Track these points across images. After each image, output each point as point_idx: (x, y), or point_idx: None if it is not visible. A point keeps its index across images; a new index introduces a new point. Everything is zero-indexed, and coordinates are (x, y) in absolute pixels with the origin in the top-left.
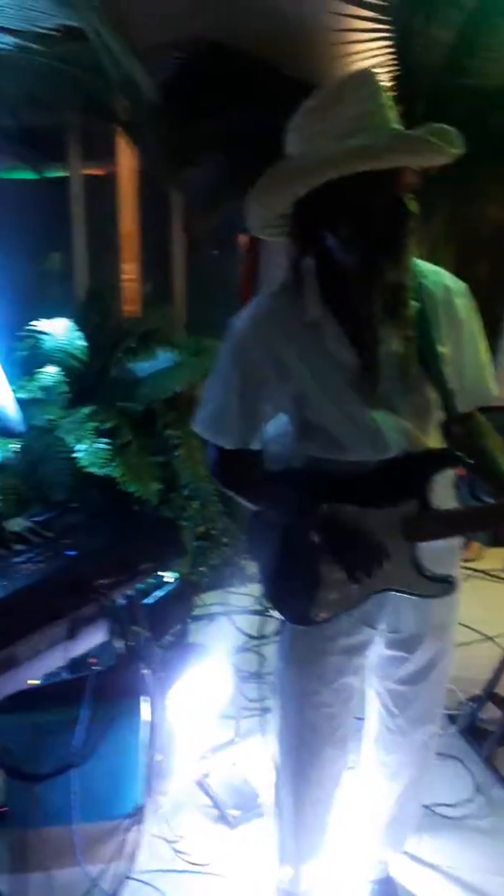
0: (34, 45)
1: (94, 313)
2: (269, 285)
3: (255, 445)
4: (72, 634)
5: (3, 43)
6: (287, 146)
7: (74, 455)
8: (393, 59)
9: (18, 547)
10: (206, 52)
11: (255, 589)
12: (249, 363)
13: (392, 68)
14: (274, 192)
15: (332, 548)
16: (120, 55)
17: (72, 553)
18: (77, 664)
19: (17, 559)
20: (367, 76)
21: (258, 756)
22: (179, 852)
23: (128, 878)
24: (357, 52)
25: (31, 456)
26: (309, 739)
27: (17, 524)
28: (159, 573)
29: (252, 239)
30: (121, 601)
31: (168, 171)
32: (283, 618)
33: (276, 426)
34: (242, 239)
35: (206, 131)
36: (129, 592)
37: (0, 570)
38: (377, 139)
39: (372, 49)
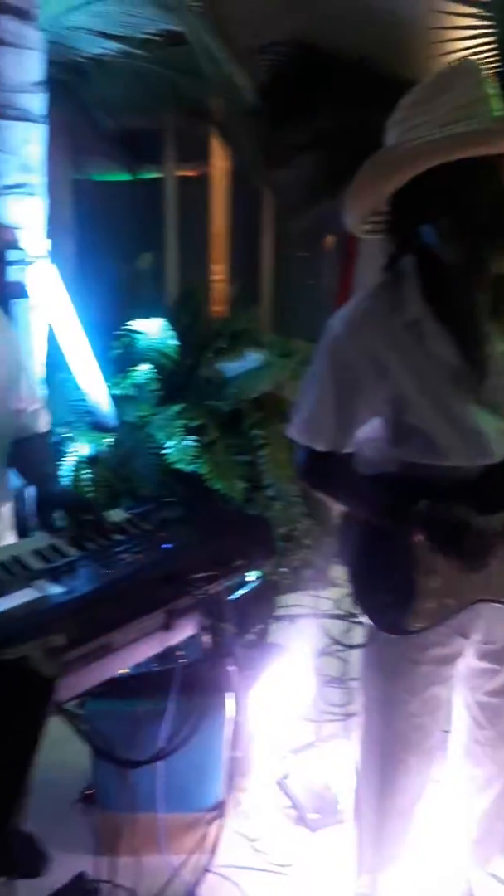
0: (136, 51)
1: (185, 313)
2: (366, 285)
3: (347, 448)
4: (168, 626)
5: (106, 49)
6: (387, 141)
7: (164, 451)
8: (495, 56)
9: (117, 537)
10: (301, 52)
11: (337, 592)
12: (345, 365)
13: (495, 65)
14: (375, 182)
15: (439, 541)
16: (219, 57)
17: (168, 546)
18: (163, 656)
19: (116, 549)
20: (471, 66)
21: (339, 761)
22: (259, 851)
23: (208, 871)
24: (456, 50)
25: (122, 450)
26: (395, 749)
27: (116, 515)
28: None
29: (348, 238)
30: (206, 596)
31: (261, 172)
32: (373, 625)
33: (369, 430)
34: (330, 240)
35: (301, 131)
36: (219, 588)
37: (101, 559)
38: (483, 125)
39: (472, 46)
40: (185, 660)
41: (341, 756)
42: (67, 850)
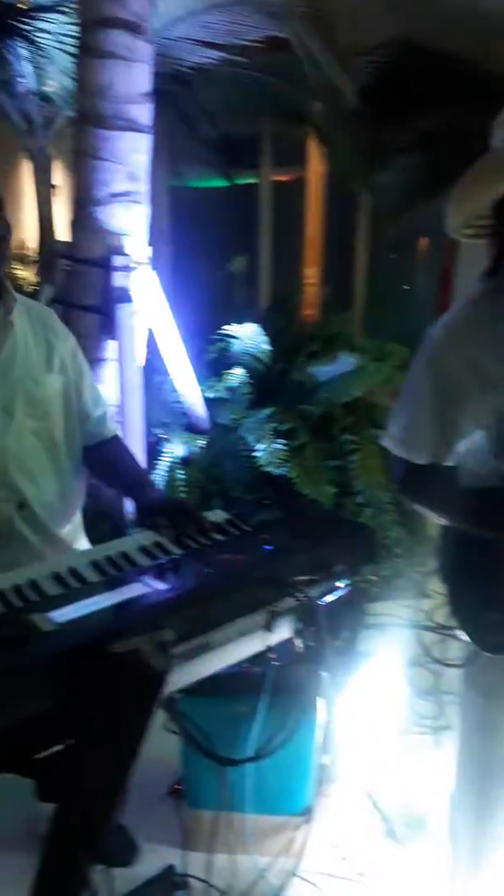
0: (238, 58)
1: (278, 317)
2: (468, 292)
3: (449, 461)
4: (269, 627)
5: (207, 57)
6: (493, 141)
7: (254, 454)
8: None
9: (218, 538)
10: (404, 52)
11: (430, 603)
12: (446, 375)
13: None
14: (480, 185)
15: None
16: (322, 61)
17: (269, 548)
18: (255, 657)
19: (218, 549)
20: None
21: (429, 776)
22: (345, 859)
23: (294, 875)
24: None
25: (214, 452)
26: (494, 773)
27: (215, 516)
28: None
29: (446, 242)
30: (307, 600)
31: (360, 175)
32: (474, 644)
33: (471, 442)
34: (425, 243)
35: (403, 133)
36: (320, 592)
37: (203, 558)
38: None
39: None
40: (277, 662)
41: (431, 771)
42: (155, 842)
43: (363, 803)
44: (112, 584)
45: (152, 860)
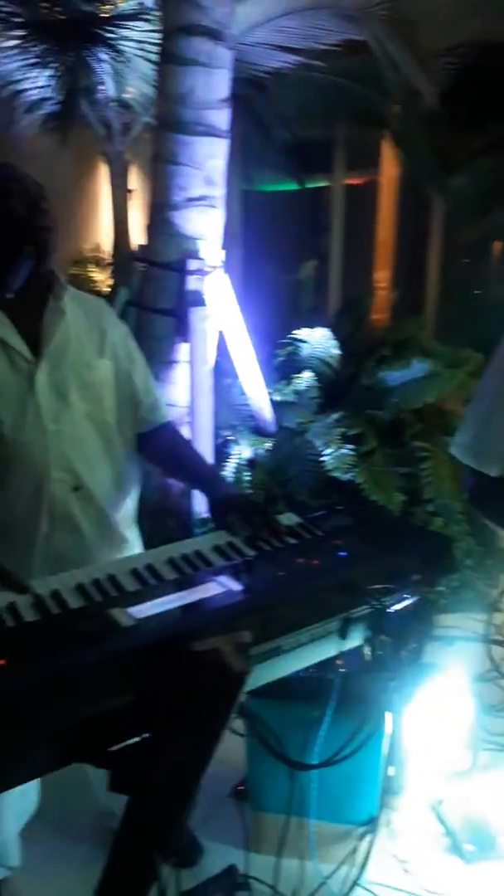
0: (315, 62)
1: (348, 321)
2: None
3: None
4: (343, 634)
5: (284, 62)
6: None
7: (321, 458)
8: None
9: (291, 541)
10: (482, 53)
11: (499, 617)
12: None
13: None
14: None
15: None
16: (400, 63)
17: (344, 554)
18: (322, 664)
19: (291, 553)
20: None
21: (498, 793)
22: (408, 872)
23: (357, 884)
24: None
25: (280, 455)
26: None
27: (288, 519)
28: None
29: None
30: (378, 608)
31: (436, 179)
32: None
33: None
34: (498, 247)
35: (481, 135)
36: (396, 602)
37: (277, 561)
38: None
39: None
40: (344, 669)
41: (501, 788)
42: (217, 841)
43: (429, 817)
44: (188, 582)
45: (213, 859)
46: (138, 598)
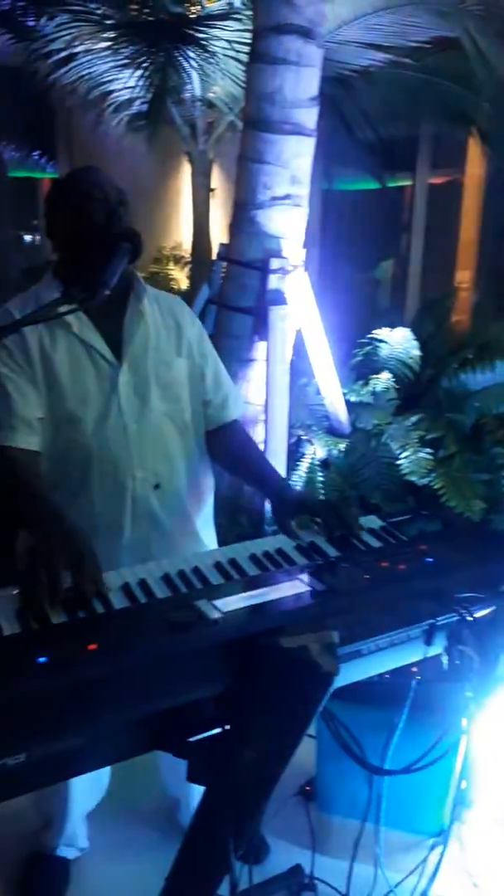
0: (405, 59)
1: (429, 322)
2: None
3: None
4: (429, 641)
5: (372, 59)
6: None
7: (397, 461)
8: None
9: (374, 544)
10: None
11: None
12: None
13: None
14: None
15: None
16: (494, 60)
17: (430, 560)
18: (396, 669)
19: (376, 556)
20: None
21: None
22: (477, 887)
23: None
24: None
25: (354, 457)
26: None
27: (370, 521)
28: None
29: None
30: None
31: None
32: None
33: None
34: None
35: None
36: (484, 612)
37: (361, 563)
38: None
39: None
40: (419, 677)
41: None
42: (282, 840)
43: (499, 832)
44: (272, 579)
45: (277, 857)
46: (223, 591)
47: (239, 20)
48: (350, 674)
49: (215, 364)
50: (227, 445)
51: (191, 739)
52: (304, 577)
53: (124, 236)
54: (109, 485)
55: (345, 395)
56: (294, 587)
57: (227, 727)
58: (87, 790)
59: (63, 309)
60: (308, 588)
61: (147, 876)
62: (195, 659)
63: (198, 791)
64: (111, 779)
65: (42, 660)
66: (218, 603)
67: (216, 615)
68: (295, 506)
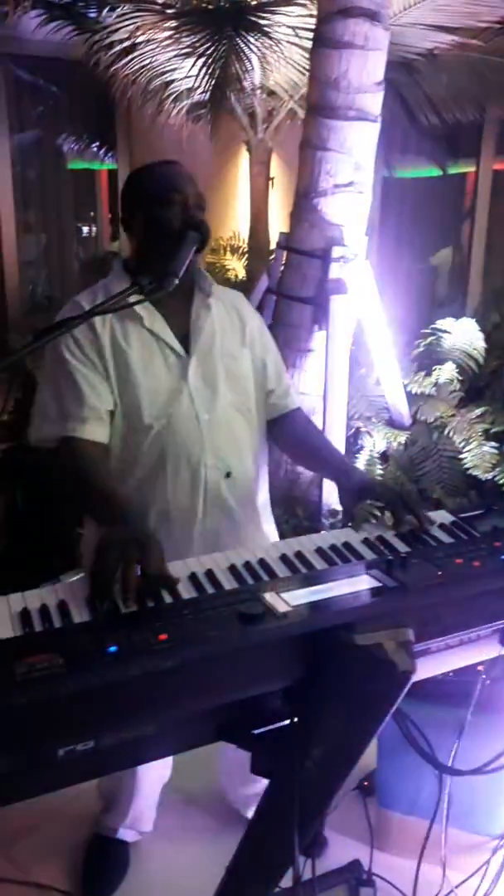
0: (471, 41)
1: (493, 312)
2: None
3: None
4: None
5: (438, 42)
6: None
7: (460, 455)
8: None
9: (446, 540)
10: None
11: None
12: None
13: None
14: None
15: None
16: None
17: None
18: (461, 668)
19: (448, 552)
20: None
21: None
22: None
23: None
24: None
25: (414, 450)
26: None
27: (440, 516)
28: None
29: None
30: None
31: None
32: None
33: None
34: None
35: None
36: None
37: (432, 559)
38: None
39: None
40: (484, 676)
41: None
42: (339, 834)
43: None
44: (340, 573)
45: (335, 851)
46: (290, 584)
47: (303, 5)
48: (418, 671)
49: (276, 354)
50: (292, 433)
51: (255, 731)
52: (374, 572)
53: (192, 226)
54: (183, 474)
55: (406, 386)
56: (363, 582)
57: (294, 721)
58: (155, 776)
59: (133, 299)
60: (378, 584)
61: (204, 863)
62: (264, 652)
63: (257, 783)
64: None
65: (112, 649)
66: (286, 596)
67: (284, 608)
68: (361, 489)
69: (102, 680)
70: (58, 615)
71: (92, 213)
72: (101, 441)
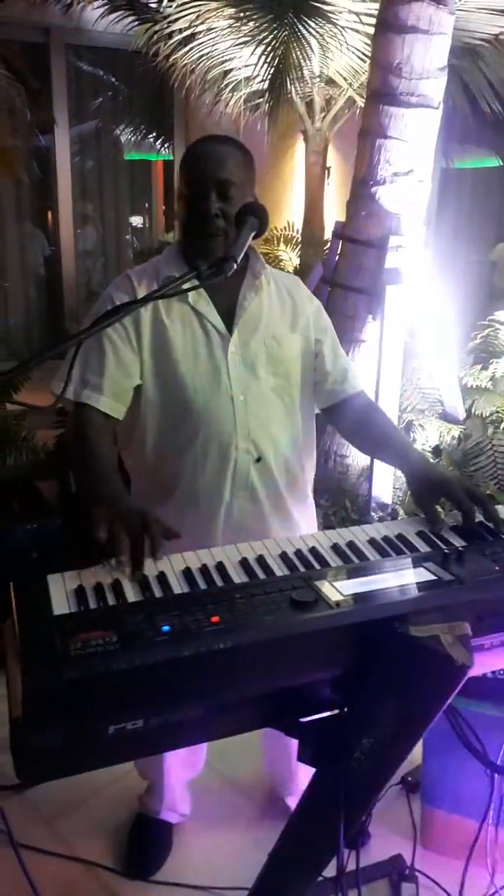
0: None
1: None
2: None
3: None
4: None
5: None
6: None
7: None
8: None
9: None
10: None
11: None
12: None
13: None
14: None
15: None
16: None
17: None
18: None
19: None
20: None
21: None
22: None
23: None
24: None
25: (468, 444)
26: None
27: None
28: None
29: None
30: None
31: None
32: None
33: None
34: None
35: None
36: None
37: (493, 556)
38: None
39: None
40: None
41: None
42: (382, 828)
43: None
44: (394, 565)
45: (377, 844)
46: (343, 573)
47: None
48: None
49: (333, 338)
50: (353, 419)
51: (302, 720)
52: (430, 564)
53: (251, 211)
54: (212, 454)
55: (461, 379)
56: (418, 574)
57: (343, 711)
58: (182, 761)
59: (188, 286)
60: (433, 577)
61: (246, 849)
62: (316, 640)
63: (301, 771)
64: (212, 751)
65: (166, 628)
66: (338, 584)
67: (337, 597)
68: (435, 485)
69: (156, 658)
70: (111, 593)
71: (146, 204)
72: (113, 415)
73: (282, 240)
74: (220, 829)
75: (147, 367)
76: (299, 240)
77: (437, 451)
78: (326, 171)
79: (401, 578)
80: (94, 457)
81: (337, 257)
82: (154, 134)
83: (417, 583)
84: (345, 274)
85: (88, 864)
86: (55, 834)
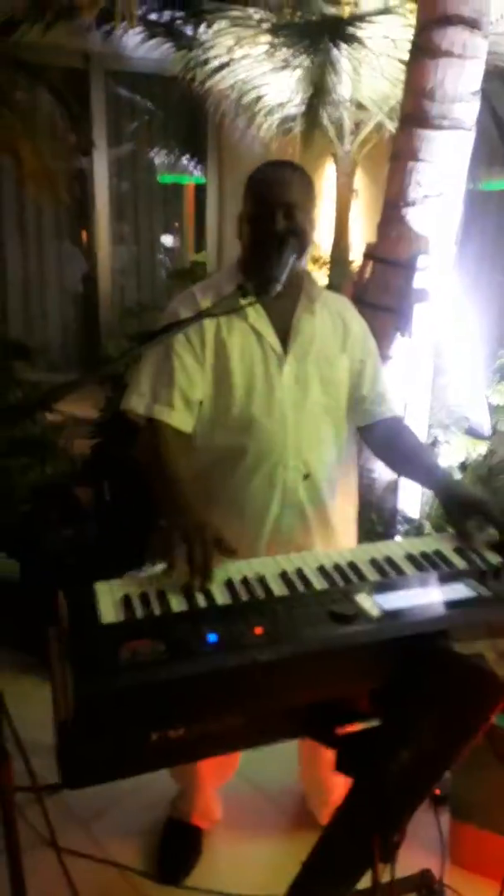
0: None
1: None
2: None
3: None
4: None
5: None
6: None
7: None
8: None
9: None
10: None
11: None
12: None
13: None
14: None
15: None
16: None
17: None
18: None
19: None
20: None
21: None
22: None
23: None
24: None
25: (495, 461)
26: None
27: None
28: None
29: None
30: None
31: None
32: None
33: None
34: None
35: None
36: None
37: None
38: None
39: None
40: None
41: None
42: (409, 841)
43: None
44: (432, 580)
45: (403, 858)
46: (381, 588)
47: (402, 15)
48: None
49: (375, 361)
50: (387, 441)
51: (339, 731)
52: (468, 581)
53: (292, 233)
54: (262, 470)
55: (487, 396)
56: (456, 590)
57: (381, 724)
58: (215, 768)
59: (244, 302)
60: (473, 593)
61: (274, 858)
62: (357, 653)
63: (336, 789)
64: (244, 759)
65: (213, 639)
66: (378, 599)
67: (377, 612)
68: (467, 504)
69: (203, 668)
70: (157, 602)
71: (177, 224)
72: (184, 430)
73: (309, 259)
74: (249, 837)
75: (207, 380)
76: (327, 259)
77: (463, 466)
78: (354, 194)
79: (440, 594)
80: (169, 472)
81: (367, 276)
82: (187, 156)
83: (457, 599)
84: (373, 293)
85: (121, 867)
86: (89, 836)
